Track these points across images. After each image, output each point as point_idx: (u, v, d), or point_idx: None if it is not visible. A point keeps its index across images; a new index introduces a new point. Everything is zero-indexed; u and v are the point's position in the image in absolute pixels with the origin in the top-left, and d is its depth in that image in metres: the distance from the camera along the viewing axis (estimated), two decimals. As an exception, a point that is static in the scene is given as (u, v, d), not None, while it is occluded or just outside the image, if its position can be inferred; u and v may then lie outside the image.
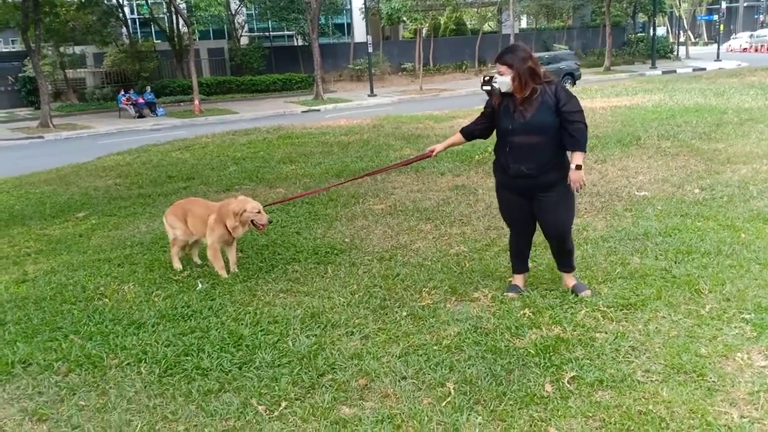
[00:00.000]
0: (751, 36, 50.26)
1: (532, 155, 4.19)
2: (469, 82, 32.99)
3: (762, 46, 46.74)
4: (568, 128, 4.15)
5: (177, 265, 5.64)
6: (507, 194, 4.47)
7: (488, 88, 4.27)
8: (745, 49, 47.41)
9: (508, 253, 4.81)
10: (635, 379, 3.43)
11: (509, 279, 4.81)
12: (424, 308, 4.47)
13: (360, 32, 37.82)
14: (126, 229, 7.33)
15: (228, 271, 5.42)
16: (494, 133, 4.48)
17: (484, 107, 4.48)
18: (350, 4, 39.94)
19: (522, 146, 4.19)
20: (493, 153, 4.55)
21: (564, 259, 4.57)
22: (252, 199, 5.34)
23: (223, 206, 5.30)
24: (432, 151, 4.77)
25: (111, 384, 3.70)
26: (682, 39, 47.61)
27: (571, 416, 3.14)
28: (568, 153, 4.25)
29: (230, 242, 5.42)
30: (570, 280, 4.60)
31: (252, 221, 5.23)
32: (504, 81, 4.17)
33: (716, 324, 3.97)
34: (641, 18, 46.94)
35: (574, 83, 26.61)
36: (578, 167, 4.16)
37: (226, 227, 5.24)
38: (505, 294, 4.60)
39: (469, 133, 4.59)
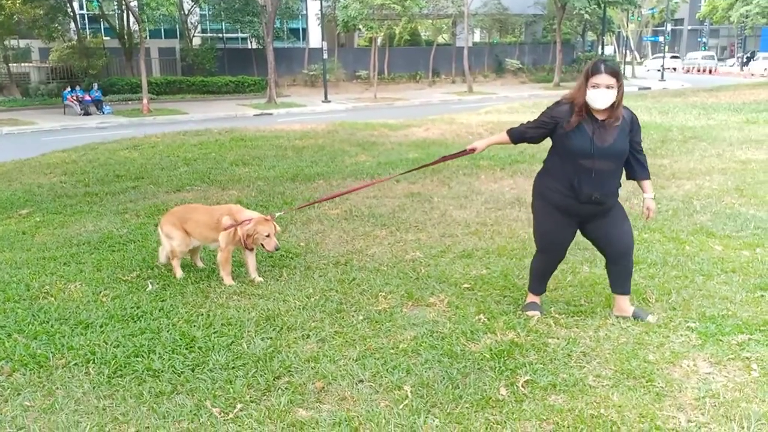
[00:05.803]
0: (677, 58, 55.30)
1: (607, 181, 4.07)
2: (423, 93, 33.33)
3: (692, 67, 51.28)
4: (638, 157, 4.16)
5: (179, 273, 5.34)
6: (561, 218, 4.20)
7: None
8: (658, 70, 49.23)
9: (528, 272, 4.56)
10: (587, 383, 3.51)
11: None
12: (381, 312, 4.47)
13: (315, 38, 37.76)
14: (72, 227, 7.11)
15: (250, 279, 5.29)
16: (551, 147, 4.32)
17: (544, 117, 4.19)
18: (306, 9, 39.82)
19: (599, 172, 4.01)
20: (537, 173, 4.41)
21: (627, 280, 4.32)
22: (265, 220, 5.09)
23: (243, 225, 5.08)
24: (473, 150, 4.44)
25: (58, 384, 3.59)
26: (628, 58, 49.07)
27: (526, 419, 3.19)
28: (644, 182, 4.29)
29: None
30: (628, 305, 4.37)
31: (261, 243, 5.10)
32: (610, 95, 3.91)
33: (663, 332, 4.10)
34: (590, 37, 48.21)
35: None
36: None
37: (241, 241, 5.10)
38: (525, 312, 4.38)
39: (519, 135, 4.32)
